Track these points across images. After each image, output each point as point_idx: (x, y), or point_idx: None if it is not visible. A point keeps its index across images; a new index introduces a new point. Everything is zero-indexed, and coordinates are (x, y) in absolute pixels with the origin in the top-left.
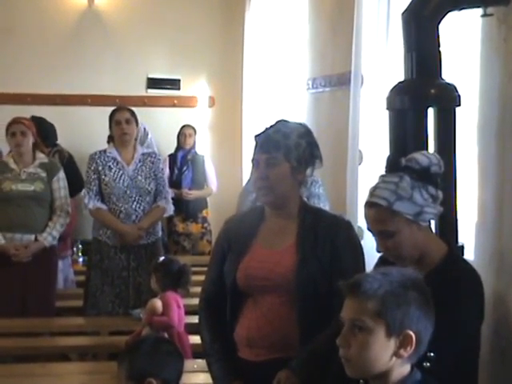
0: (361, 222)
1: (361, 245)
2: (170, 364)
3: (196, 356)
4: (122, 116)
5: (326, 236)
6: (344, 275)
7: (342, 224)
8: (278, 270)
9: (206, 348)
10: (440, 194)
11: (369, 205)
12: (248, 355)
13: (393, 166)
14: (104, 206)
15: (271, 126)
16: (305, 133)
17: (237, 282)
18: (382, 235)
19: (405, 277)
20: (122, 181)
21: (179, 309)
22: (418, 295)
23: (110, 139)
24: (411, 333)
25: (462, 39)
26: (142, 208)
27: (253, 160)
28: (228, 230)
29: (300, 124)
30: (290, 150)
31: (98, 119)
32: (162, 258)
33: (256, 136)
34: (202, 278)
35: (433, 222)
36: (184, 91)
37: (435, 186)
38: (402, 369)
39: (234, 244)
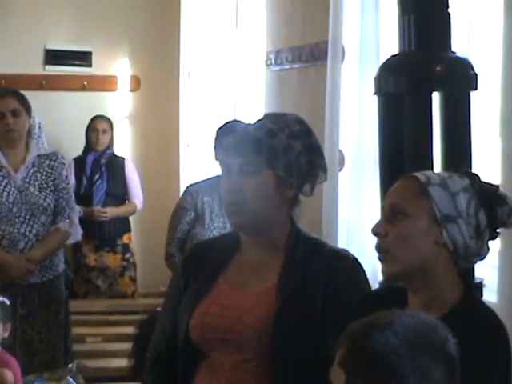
0: (341, 244)
1: (370, 291)
2: None
3: None
4: (7, 105)
5: (321, 277)
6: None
7: (344, 262)
8: (248, 321)
9: None
10: (487, 235)
11: (404, 176)
12: None
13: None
14: None
15: (257, 121)
16: (302, 132)
17: (189, 333)
18: (390, 211)
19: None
20: (6, 193)
21: None
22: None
23: None
24: None
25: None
26: (34, 232)
27: (222, 165)
28: (187, 262)
29: (296, 119)
30: (275, 154)
31: None
32: None
33: (218, 129)
34: (124, 330)
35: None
36: (97, 69)
37: (490, 223)
38: None
39: (193, 281)
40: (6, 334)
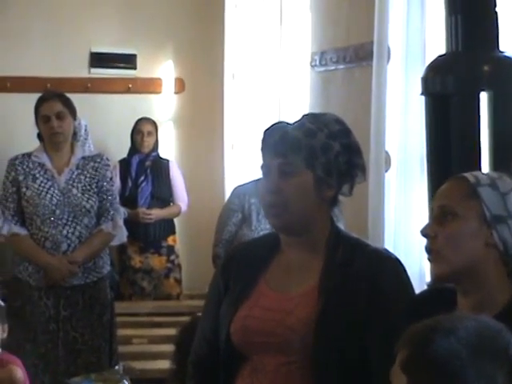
0: (388, 245)
1: (413, 292)
2: None
3: None
4: (51, 109)
5: (363, 277)
6: (388, 335)
7: (388, 262)
8: (290, 323)
9: None
10: None
11: (453, 177)
12: None
13: None
14: (23, 231)
15: (296, 122)
16: (340, 132)
17: (231, 337)
18: (440, 212)
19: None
20: (49, 196)
21: None
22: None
23: (40, 138)
24: None
25: None
26: (77, 234)
27: (262, 166)
28: (227, 264)
29: (335, 119)
30: (314, 154)
31: (22, 110)
32: None
33: (266, 131)
34: (170, 331)
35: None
36: (141, 71)
37: None
38: None
39: (233, 283)
40: (5, 335)
